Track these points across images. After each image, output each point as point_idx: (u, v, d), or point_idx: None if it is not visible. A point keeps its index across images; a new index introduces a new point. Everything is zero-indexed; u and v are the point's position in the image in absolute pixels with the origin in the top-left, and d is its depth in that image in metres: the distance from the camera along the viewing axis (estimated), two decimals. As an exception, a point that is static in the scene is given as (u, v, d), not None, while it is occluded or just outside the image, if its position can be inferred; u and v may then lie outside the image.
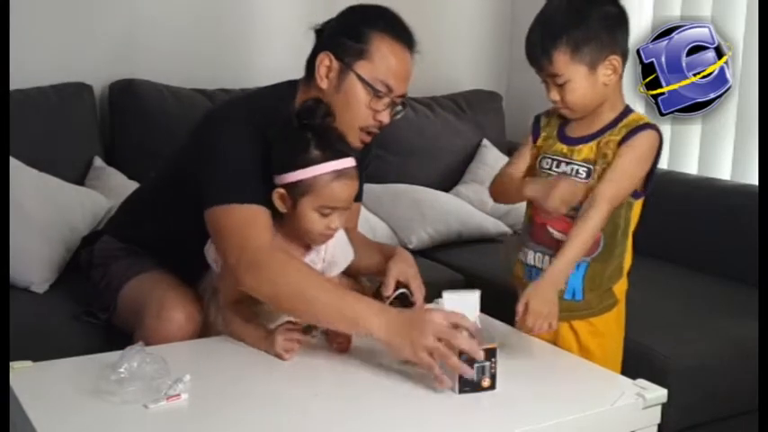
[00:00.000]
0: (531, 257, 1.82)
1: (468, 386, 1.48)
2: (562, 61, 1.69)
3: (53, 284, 2.26)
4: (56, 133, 2.63)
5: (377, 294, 1.72)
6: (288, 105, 1.81)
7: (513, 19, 3.67)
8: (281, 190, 1.66)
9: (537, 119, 1.88)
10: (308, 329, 1.65)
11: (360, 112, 1.78)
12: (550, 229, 1.79)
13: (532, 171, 1.84)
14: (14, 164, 2.33)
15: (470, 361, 1.47)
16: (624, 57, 1.73)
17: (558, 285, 1.68)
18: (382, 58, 1.78)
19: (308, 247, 1.74)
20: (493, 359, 1.49)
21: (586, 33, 1.69)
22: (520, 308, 1.62)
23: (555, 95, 1.74)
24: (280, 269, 1.62)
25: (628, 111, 1.78)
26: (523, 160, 1.86)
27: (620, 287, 1.84)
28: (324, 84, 1.80)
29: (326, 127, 1.68)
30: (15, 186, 2.20)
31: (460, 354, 1.46)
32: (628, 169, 1.72)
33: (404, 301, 1.71)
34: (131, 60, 2.88)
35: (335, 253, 1.77)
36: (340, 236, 1.77)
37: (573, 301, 1.79)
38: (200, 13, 3.02)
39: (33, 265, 2.22)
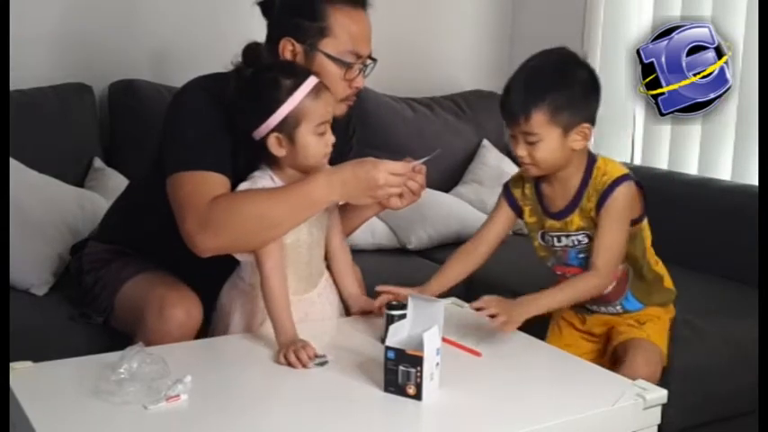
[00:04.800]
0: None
1: (392, 386, 1.45)
2: (540, 122, 1.70)
3: (53, 286, 2.25)
4: (56, 134, 2.63)
5: (388, 306, 1.69)
6: None
7: (513, 19, 3.67)
8: (274, 133, 1.68)
9: (506, 186, 1.90)
10: (321, 365, 1.61)
11: (337, 86, 1.79)
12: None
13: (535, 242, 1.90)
14: (14, 165, 2.33)
15: None
16: (594, 124, 1.75)
17: (531, 314, 1.69)
18: (344, 30, 1.79)
19: None
20: (419, 367, 1.43)
21: (567, 98, 1.70)
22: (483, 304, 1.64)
23: (522, 151, 1.75)
24: (225, 210, 1.65)
25: (591, 162, 1.79)
26: (501, 225, 1.90)
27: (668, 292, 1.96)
28: None
29: (276, 61, 1.73)
30: (15, 188, 2.20)
31: None
32: (613, 234, 1.75)
33: (390, 319, 1.65)
34: (131, 60, 2.88)
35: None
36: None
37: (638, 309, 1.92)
38: (200, 14, 3.02)
39: (33, 266, 2.22)
